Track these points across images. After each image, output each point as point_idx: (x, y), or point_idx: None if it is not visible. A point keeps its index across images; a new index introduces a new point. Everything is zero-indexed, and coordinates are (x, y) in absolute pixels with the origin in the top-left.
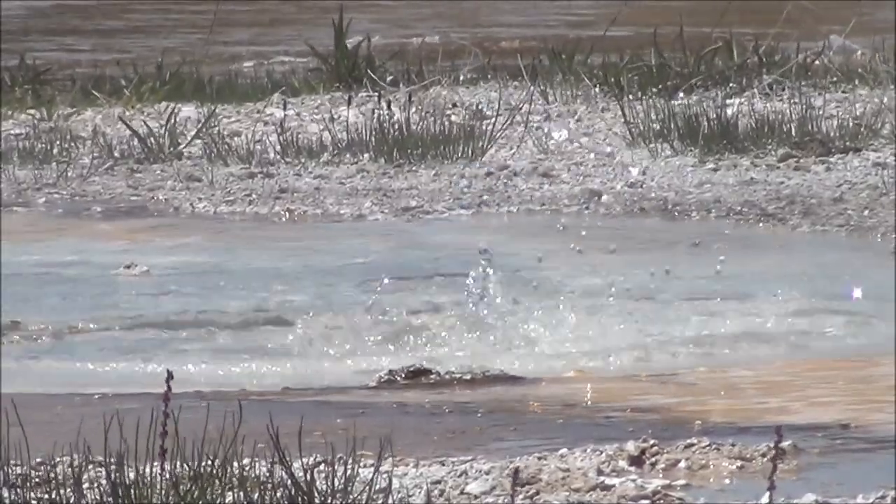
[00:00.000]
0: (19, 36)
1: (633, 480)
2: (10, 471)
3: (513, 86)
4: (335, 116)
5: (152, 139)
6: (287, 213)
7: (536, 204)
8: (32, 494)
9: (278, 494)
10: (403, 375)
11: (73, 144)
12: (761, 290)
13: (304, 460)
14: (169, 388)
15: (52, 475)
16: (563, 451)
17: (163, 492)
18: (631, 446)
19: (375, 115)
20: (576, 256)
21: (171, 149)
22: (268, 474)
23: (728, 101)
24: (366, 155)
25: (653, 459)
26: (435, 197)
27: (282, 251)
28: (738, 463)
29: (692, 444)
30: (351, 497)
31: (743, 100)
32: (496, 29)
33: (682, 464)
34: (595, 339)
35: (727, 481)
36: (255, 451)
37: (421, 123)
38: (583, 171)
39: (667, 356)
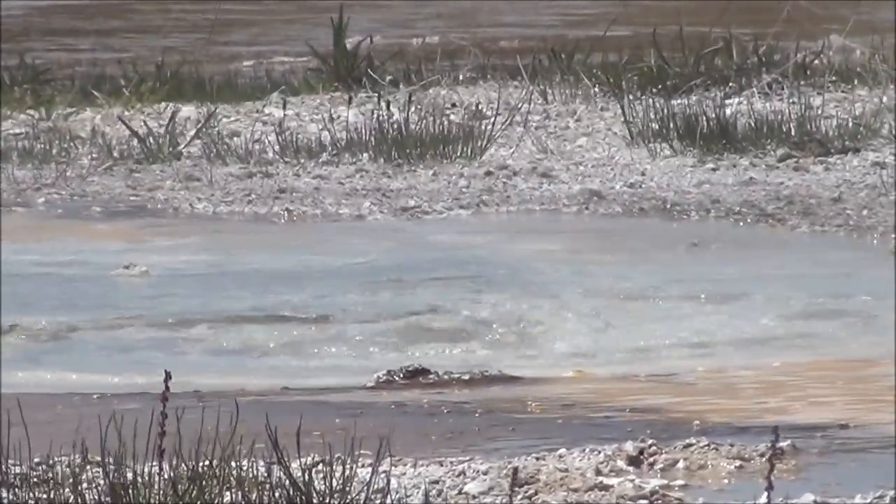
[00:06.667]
0: (19, 36)
1: (632, 481)
2: (9, 471)
3: (512, 86)
4: (334, 116)
5: (151, 139)
6: (286, 213)
7: (536, 204)
8: (31, 494)
9: (276, 494)
10: (402, 375)
11: (72, 144)
12: (760, 290)
13: (303, 460)
14: (167, 388)
15: (51, 475)
16: (562, 451)
17: (161, 491)
18: (629, 446)
19: (375, 115)
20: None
21: (171, 149)
22: (266, 474)
23: (727, 101)
24: (365, 155)
25: (651, 459)
26: (434, 197)
27: (281, 251)
28: (737, 463)
29: (691, 445)
30: (349, 497)
31: (742, 100)
32: (496, 29)
33: (681, 464)
34: (594, 339)
35: (725, 481)
36: (254, 451)
37: (420, 123)
38: (582, 172)
39: (665, 356)
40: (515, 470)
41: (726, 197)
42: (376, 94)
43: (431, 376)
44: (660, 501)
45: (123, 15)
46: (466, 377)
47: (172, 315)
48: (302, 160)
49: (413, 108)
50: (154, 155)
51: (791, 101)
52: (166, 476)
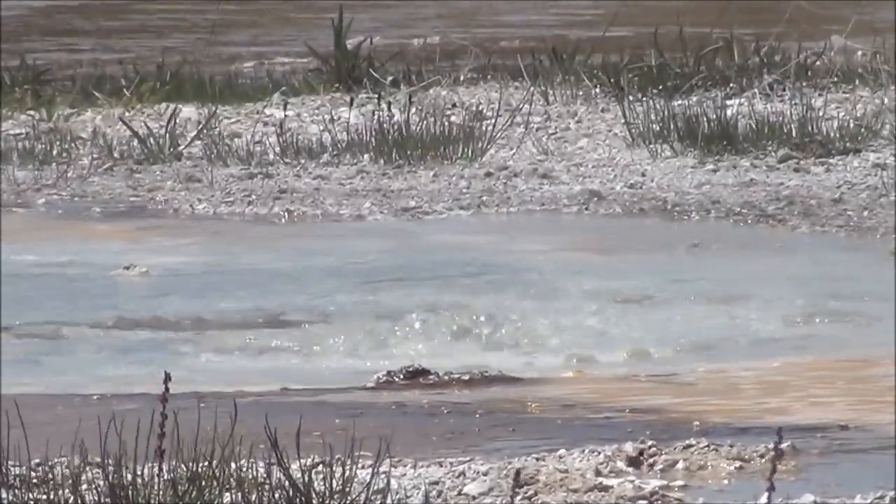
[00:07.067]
0: (19, 36)
1: (632, 481)
2: (8, 471)
3: (513, 86)
4: (335, 117)
5: (152, 140)
6: (287, 214)
7: (536, 205)
8: (31, 495)
9: (276, 495)
10: (402, 376)
11: (73, 145)
12: (761, 290)
13: (303, 461)
14: (167, 389)
15: (51, 476)
16: (562, 451)
17: (161, 492)
18: (629, 447)
19: (375, 116)
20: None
21: (171, 149)
22: (265, 475)
23: (728, 102)
24: (365, 156)
25: (651, 460)
26: (434, 198)
27: (281, 252)
28: (737, 464)
29: (691, 445)
30: (349, 498)
31: (743, 100)
32: (496, 29)
33: (681, 464)
34: (595, 339)
35: (725, 482)
36: (253, 452)
37: (421, 124)
38: (582, 172)
39: (665, 356)
40: (518, 472)
41: (727, 198)
42: (377, 95)
43: (431, 377)
44: (659, 502)
45: (124, 15)
46: (466, 378)
47: (172, 315)
48: (303, 161)
49: (413, 109)
50: (155, 156)
51: (792, 101)
52: (166, 477)
